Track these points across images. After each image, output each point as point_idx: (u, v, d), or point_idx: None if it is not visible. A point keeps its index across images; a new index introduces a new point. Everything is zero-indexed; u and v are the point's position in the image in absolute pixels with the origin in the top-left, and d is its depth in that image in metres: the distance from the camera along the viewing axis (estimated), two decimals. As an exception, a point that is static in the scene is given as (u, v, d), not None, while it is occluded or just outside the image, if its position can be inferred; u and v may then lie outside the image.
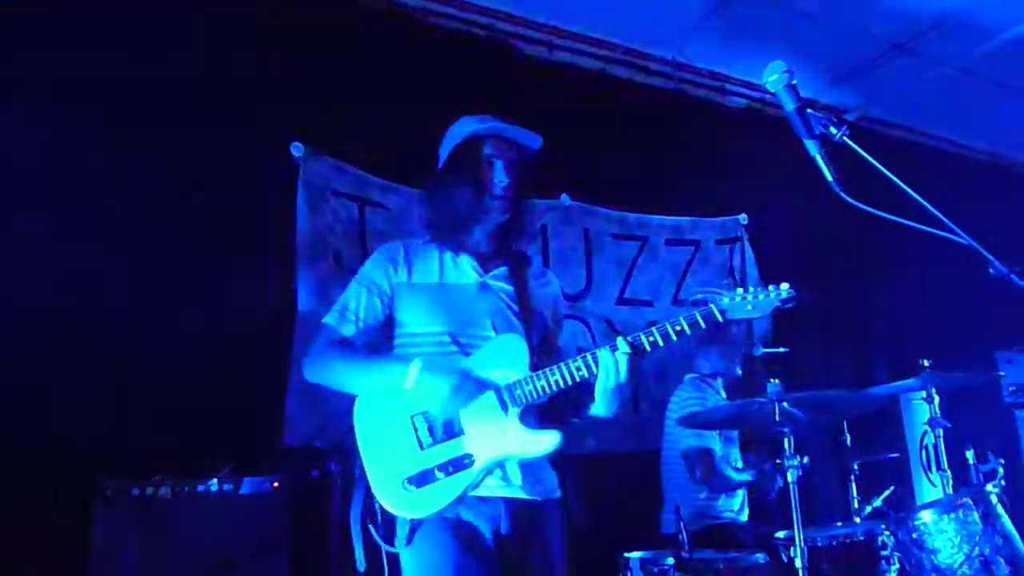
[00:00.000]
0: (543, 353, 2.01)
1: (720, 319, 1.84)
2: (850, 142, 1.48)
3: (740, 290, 1.87)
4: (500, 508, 1.90)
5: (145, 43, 2.95)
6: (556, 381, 1.86)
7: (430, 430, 1.87)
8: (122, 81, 2.85)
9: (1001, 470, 3.17)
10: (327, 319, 2.04)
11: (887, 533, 2.93)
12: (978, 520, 2.87)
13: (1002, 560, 2.79)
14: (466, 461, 1.86)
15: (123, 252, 2.81)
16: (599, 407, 1.94)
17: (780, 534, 2.92)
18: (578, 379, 1.86)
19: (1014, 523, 2.94)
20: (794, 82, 1.55)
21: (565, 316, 2.62)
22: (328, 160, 3.17)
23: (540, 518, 1.97)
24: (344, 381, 1.97)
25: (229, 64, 3.05)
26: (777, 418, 2.67)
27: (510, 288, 2.10)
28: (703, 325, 1.84)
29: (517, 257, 2.16)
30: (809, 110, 1.52)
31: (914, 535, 2.91)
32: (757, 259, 4.34)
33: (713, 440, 3.37)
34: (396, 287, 2.04)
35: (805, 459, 2.61)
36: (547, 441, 1.88)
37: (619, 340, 1.85)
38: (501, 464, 1.90)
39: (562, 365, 1.87)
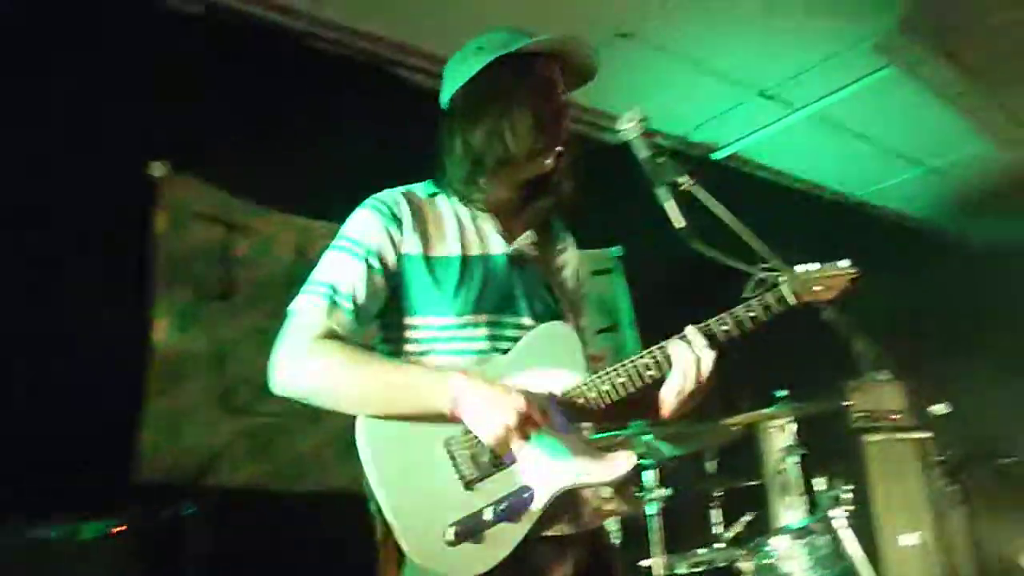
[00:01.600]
0: None
1: (791, 303, 1.51)
2: (696, 192, 1.53)
3: (801, 266, 1.54)
4: (565, 554, 1.49)
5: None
6: (623, 384, 1.47)
7: (474, 457, 1.42)
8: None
9: (848, 496, 3.36)
10: (305, 303, 1.50)
11: (746, 558, 3.06)
12: (826, 545, 3.03)
13: (847, 583, 2.96)
14: (525, 496, 1.41)
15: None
16: (665, 411, 1.53)
17: (644, 563, 2.99)
18: (647, 381, 1.49)
19: (859, 547, 3.13)
20: (648, 130, 1.60)
21: None
22: (190, 181, 3.02)
23: (610, 557, 1.62)
24: (344, 401, 1.45)
25: (85, 74, 2.87)
26: (641, 452, 2.74)
27: (542, 259, 1.69)
28: (776, 310, 1.50)
29: (542, 219, 1.73)
30: (661, 158, 1.56)
31: (768, 560, 3.04)
32: (629, 291, 4.46)
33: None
34: (405, 259, 1.55)
35: (668, 491, 2.69)
36: (619, 465, 1.47)
37: (690, 329, 1.49)
38: (572, 493, 1.47)
39: (627, 364, 1.48)
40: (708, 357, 1.48)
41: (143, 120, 2.94)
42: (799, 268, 1.53)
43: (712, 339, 1.49)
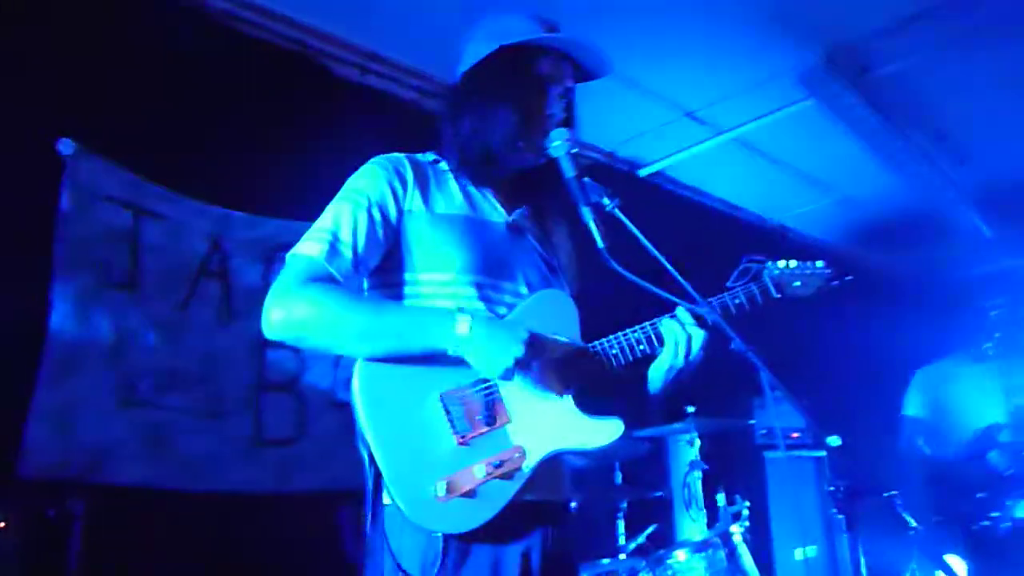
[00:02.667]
0: None
1: (774, 295, 1.66)
2: (619, 214, 1.55)
3: (783, 261, 1.69)
4: (544, 519, 1.52)
5: None
6: (616, 356, 1.53)
7: (469, 414, 1.43)
8: None
9: (746, 511, 3.47)
10: (302, 250, 1.48)
11: (647, 570, 3.11)
12: (724, 559, 3.12)
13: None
14: (517, 456, 1.43)
15: None
16: (654, 386, 1.61)
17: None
18: (639, 355, 1.55)
19: (755, 561, 3.24)
20: (575, 151, 1.61)
21: None
22: (101, 161, 2.87)
23: (570, 527, 1.62)
24: (345, 331, 1.40)
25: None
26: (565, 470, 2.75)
27: (538, 232, 1.73)
28: (759, 300, 1.64)
29: (538, 197, 1.75)
30: (586, 179, 1.58)
31: (669, 572, 3.11)
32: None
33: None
34: (407, 215, 1.56)
35: (573, 504, 2.72)
36: (609, 430, 1.50)
37: (680, 310, 1.55)
38: (554, 459, 1.50)
39: (620, 337, 1.55)
40: (698, 336, 1.55)
41: (54, 96, 2.78)
42: (780, 263, 1.66)
43: (701, 321, 1.55)
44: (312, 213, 1.58)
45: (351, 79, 3.81)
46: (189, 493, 2.88)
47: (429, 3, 3.31)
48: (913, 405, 4.23)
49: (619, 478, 3.69)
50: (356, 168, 1.65)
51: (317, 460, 3.28)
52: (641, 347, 1.55)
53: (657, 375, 1.60)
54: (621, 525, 3.59)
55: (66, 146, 2.80)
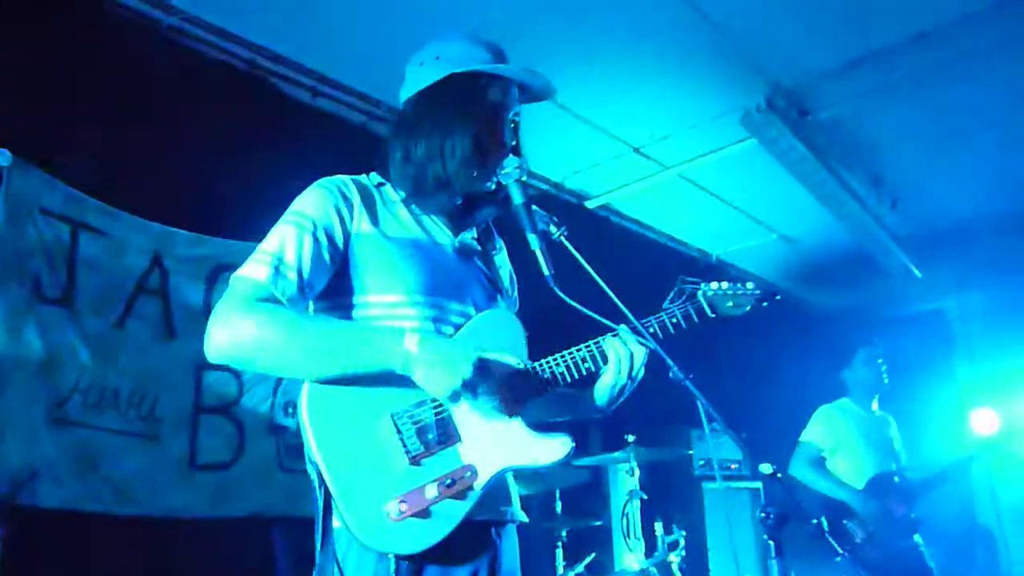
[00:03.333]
0: None
1: (709, 314, 1.74)
2: (566, 242, 1.58)
3: (716, 283, 1.77)
4: (493, 538, 1.52)
5: None
6: (561, 374, 1.56)
7: (420, 433, 1.43)
8: None
9: (683, 541, 3.52)
10: (246, 273, 1.46)
11: (584, 599, 3.13)
12: (661, 588, 3.15)
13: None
14: (468, 475, 1.44)
15: None
16: (599, 402, 1.64)
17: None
18: (584, 373, 1.59)
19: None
20: (524, 178, 1.64)
21: None
22: (38, 173, 2.80)
23: (517, 547, 1.61)
24: (293, 353, 1.38)
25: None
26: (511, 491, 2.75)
27: (483, 255, 1.74)
28: (695, 319, 1.72)
29: (484, 222, 1.77)
30: (534, 207, 1.61)
31: (606, 602, 3.12)
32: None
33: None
34: (354, 237, 1.54)
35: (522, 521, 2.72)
36: (559, 448, 1.51)
37: (622, 329, 1.59)
38: (504, 478, 1.53)
39: (566, 355, 1.57)
40: (640, 353, 1.60)
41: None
42: (713, 284, 1.75)
43: (642, 340, 1.60)
44: (258, 233, 1.56)
45: (302, 101, 3.81)
46: (120, 517, 2.79)
47: (380, 28, 3.34)
48: (811, 435, 4.32)
49: (559, 507, 3.70)
50: (302, 189, 1.64)
51: (253, 485, 3.21)
52: (586, 365, 1.58)
53: (602, 392, 1.63)
54: (560, 554, 3.60)
55: (3, 157, 2.73)
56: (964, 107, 4.23)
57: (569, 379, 1.57)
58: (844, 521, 4.05)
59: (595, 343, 1.60)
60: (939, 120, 4.38)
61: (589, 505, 4.31)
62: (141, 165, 3.03)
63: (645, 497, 3.74)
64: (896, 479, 4.14)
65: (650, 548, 3.66)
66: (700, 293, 1.75)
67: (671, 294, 1.75)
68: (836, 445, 4.25)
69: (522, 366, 1.53)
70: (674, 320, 1.69)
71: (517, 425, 1.51)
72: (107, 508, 2.77)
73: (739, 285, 1.79)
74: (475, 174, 1.60)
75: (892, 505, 4.05)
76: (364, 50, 3.54)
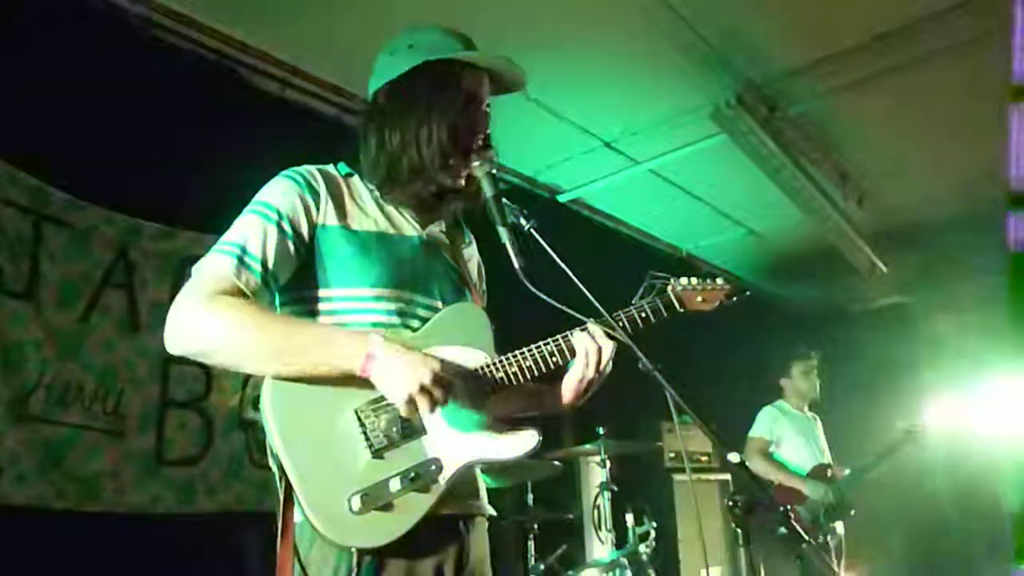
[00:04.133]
0: None
1: (678, 308, 1.73)
2: (536, 235, 1.59)
3: (686, 278, 1.76)
4: (460, 532, 1.51)
5: None
6: (529, 368, 1.54)
7: (384, 426, 1.41)
8: None
9: (653, 532, 3.55)
10: (209, 263, 1.44)
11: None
12: (631, 579, 3.19)
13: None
14: (432, 468, 1.42)
15: None
16: (567, 397, 1.63)
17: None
18: (552, 367, 1.57)
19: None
20: (494, 171, 1.64)
21: None
22: (2, 165, 2.74)
23: (486, 540, 1.60)
24: (253, 349, 1.36)
25: None
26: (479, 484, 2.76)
27: (451, 248, 1.73)
28: (664, 314, 1.70)
29: (453, 215, 1.75)
30: (505, 200, 1.61)
31: (577, 593, 3.15)
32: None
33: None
34: (320, 229, 1.53)
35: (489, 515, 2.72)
36: (526, 441, 1.52)
37: (591, 323, 1.58)
38: (470, 471, 1.52)
39: (533, 349, 1.55)
40: (608, 348, 1.58)
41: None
42: (683, 279, 1.74)
43: (609, 334, 1.59)
44: (227, 226, 1.54)
45: (272, 92, 3.77)
46: (86, 514, 2.75)
47: (351, 20, 3.32)
48: (759, 430, 4.75)
49: (530, 499, 3.71)
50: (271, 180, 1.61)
51: (221, 480, 3.18)
52: (554, 359, 1.57)
53: (569, 386, 1.62)
54: (531, 546, 3.62)
55: (-37, 147, 2.67)
56: (927, 105, 4.31)
57: (537, 372, 1.56)
58: (796, 506, 4.42)
59: (563, 337, 1.59)
60: (903, 117, 4.46)
61: (560, 498, 4.33)
62: (107, 156, 2.97)
63: (616, 489, 3.77)
64: (828, 471, 4.62)
65: (621, 540, 3.69)
66: (670, 288, 1.74)
67: (641, 289, 1.75)
68: (779, 440, 4.70)
69: (479, 367, 1.52)
70: (643, 315, 1.68)
71: (484, 418, 1.51)
72: (73, 505, 2.72)
73: (709, 280, 1.80)
74: (450, 163, 1.59)
75: (831, 492, 4.46)
76: (335, 42, 3.51)
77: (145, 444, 3.01)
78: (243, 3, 3.31)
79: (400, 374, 1.36)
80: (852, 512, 4.48)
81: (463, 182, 1.63)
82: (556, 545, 3.67)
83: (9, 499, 2.57)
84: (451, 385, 1.41)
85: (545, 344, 1.58)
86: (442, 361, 1.42)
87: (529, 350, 1.56)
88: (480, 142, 1.62)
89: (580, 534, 4.66)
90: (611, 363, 1.60)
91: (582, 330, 1.59)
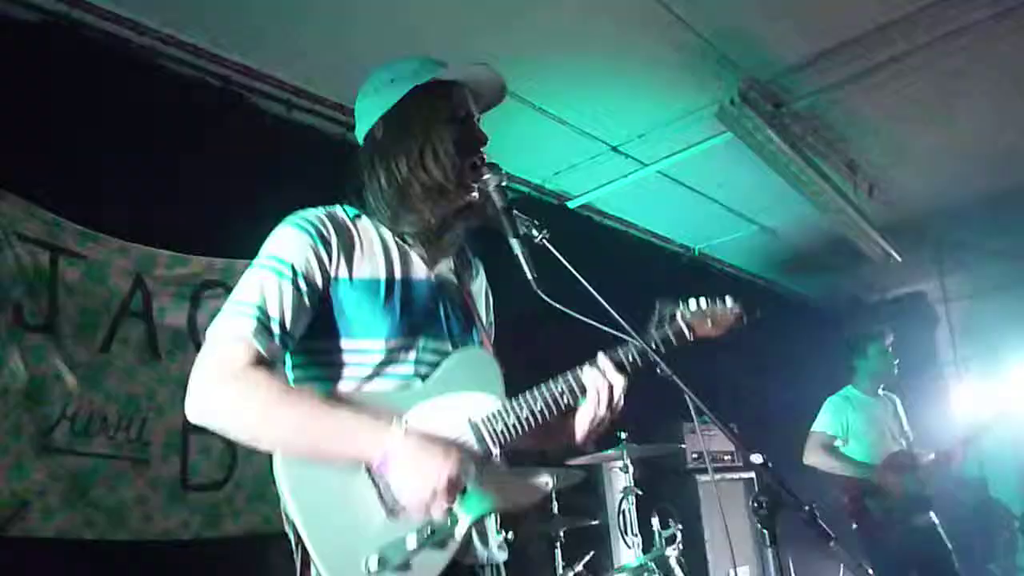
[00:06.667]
0: None
1: (689, 337, 1.66)
2: (549, 245, 1.59)
3: (694, 302, 1.69)
4: None
5: None
6: (541, 411, 1.50)
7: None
8: None
9: (679, 535, 3.53)
10: (228, 328, 1.40)
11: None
12: (660, 582, 3.17)
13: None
14: (448, 523, 1.40)
15: None
16: (580, 436, 1.59)
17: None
18: (563, 407, 1.53)
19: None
20: (504, 184, 1.64)
21: None
22: (14, 199, 2.77)
23: None
24: (270, 435, 1.37)
25: None
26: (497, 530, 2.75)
27: (459, 286, 1.70)
28: (675, 343, 1.64)
29: (459, 245, 1.73)
30: (515, 211, 1.61)
31: (607, 599, 3.13)
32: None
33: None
34: (334, 282, 1.50)
35: (510, 534, 2.71)
36: (539, 489, 1.52)
37: (600, 357, 1.55)
38: (485, 520, 1.50)
39: (543, 390, 1.52)
40: (619, 383, 1.55)
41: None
42: (692, 303, 1.67)
43: (620, 366, 1.55)
44: (239, 250, 1.56)
45: (278, 115, 3.80)
46: (115, 543, 2.77)
47: (354, 39, 3.34)
48: (821, 424, 4.52)
49: (555, 507, 3.71)
50: (282, 203, 1.61)
51: (247, 503, 3.20)
52: (564, 399, 1.53)
53: (582, 426, 1.58)
54: (558, 554, 3.61)
55: (-23, 185, 2.71)
56: (933, 93, 4.28)
57: (549, 415, 1.52)
58: (864, 499, 4.17)
59: (571, 373, 1.56)
60: (910, 106, 4.43)
61: (585, 504, 4.32)
62: (119, 187, 3.01)
63: (640, 493, 3.76)
64: (909, 458, 4.30)
65: (647, 543, 3.68)
66: (679, 315, 1.67)
67: (655, 318, 1.67)
68: (845, 432, 4.44)
69: (497, 415, 1.50)
70: (653, 347, 1.61)
71: (497, 467, 1.49)
72: (101, 535, 2.74)
73: (719, 304, 1.72)
74: (460, 177, 1.58)
75: (908, 482, 4.17)
76: (339, 62, 3.53)
77: (170, 470, 3.03)
78: (246, 29, 3.34)
79: (414, 480, 1.35)
80: (931, 498, 4.21)
81: (475, 195, 1.61)
82: (583, 552, 3.66)
83: (38, 532, 2.59)
84: (467, 476, 1.39)
85: (555, 383, 1.54)
86: (459, 457, 1.39)
87: (539, 390, 1.53)
88: (483, 156, 1.62)
89: (607, 540, 4.64)
90: (623, 399, 1.56)
91: (592, 364, 1.56)
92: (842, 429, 4.45)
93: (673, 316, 1.66)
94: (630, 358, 1.57)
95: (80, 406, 2.81)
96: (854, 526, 4.24)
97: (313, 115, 3.90)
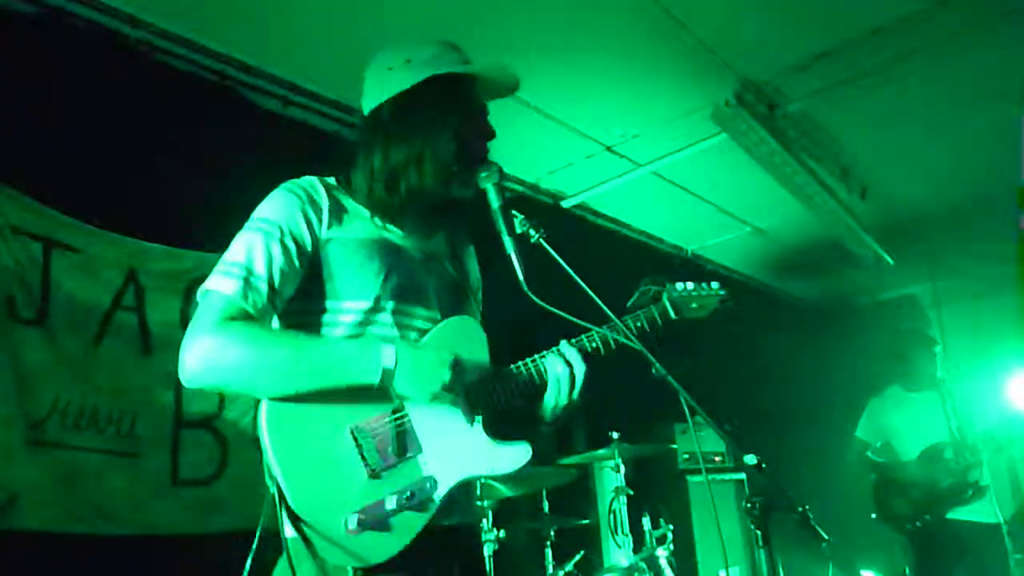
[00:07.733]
0: None
1: (673, 316, 1.68)
2: (545, 244, 1.59)
3: (681, 283, 1.71)
4: (450, 543, 1.50)
5: None
6: (521, 383, 1.55)
7: (380, 446, 1.42)
8: None
9: (670, 535, 3.54)
10: (215, 287, 1.43)
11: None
12: (650, 582, 3.18)
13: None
14: (428, 486, 1.44)
15: None
16: (542, 422, 1.59)
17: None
18: (527, 391, 1.56)
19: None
20: (503, 182, 1.64)
21: None
22: (8, 191, 2.76)
23: (479, 546, 1.66)
24: (268, 373, 1.36)
25: None
26: (477, 492, 2.76)
27: (452, 260, 1.72)
28: (660, 323, 1.66)
29: (451, 228, 1.75)
30: (513, 211, 1.61)
31: (596, 598, 3.14)
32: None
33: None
34: (323, 243, 1.51)
35: (502, 533, 2.73)
36: (517, 456, 1.51)
37: (563, 344, 1.57)
38: (464, 487, 1.53)
39: (521, 366, 1.56)
40: (580, 371, 1.55)
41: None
42: (678, 285, 1.69)
43: (584, 354, 1.57)
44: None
45: (273, 110, 3.79)
46: (104, 537, 2.75)
47: (350, 35, 3.33)
48: (863, 429, 4.59)
49: (546, 506, 3.71)
50: (270, 193, 1.60)
51: (237, 499, 3.19)
52: (530, 388, 1.56)
53: (545, 410, 1.58)
54: (549, 553, 3.61)
55: (-30, 177, 2.69)
56: (926, 97, 4.30)
57: (526, 391, 1.56)
58: (891, 494, 4.25)
59: (533, 361, 1.58)
60: (901, 110, 4.45)
61: (576, 504, 4.32)
62: (112, 180, 3.00)
63: (631, 493, 3.76)
64: (947, 451, 4.22)
65: (638, 544, 3.68)
66: (665, 295, 1.70)
67: (635, 295, 1.72)
68: (884, 432, 4.52)
69: (492, 368, 1.54)
70: (638, 324, 1.65)
71: (478, 433, 1.51)
72: (90, 528, 2.73)
73: (704, 286, 1.75)
74: (454, 179, 1.58)
75: (939, 475, 4.15)
76: (334, 58, 3.52)
77: (160, 465, 3.02)
78: (241, 23, 3.32)
79: (422, 375, 1.40)
80: (970, 493, 4.13)
81: (472, 192, 1.61)
82: (574, 551, 3.66)
83: (27, 524, 2.58)
84: (469, 376, 1.46)
85: (516, 368, 1.56)
86: (457, 356, 1.44)
87: (520, 367, 1.56)
88: (487, 149, 1.63)
89: (597, 539, 4.65)
90: (585, 385, 1.57)
91: (555, 351, 1.57)
92: (877, 432, 4.54)
93: (659, 295, 1.69)
94: (593, 344, 1.59)
95: (71, 400, 2.80)
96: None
97: (308, 111, 3.88)
